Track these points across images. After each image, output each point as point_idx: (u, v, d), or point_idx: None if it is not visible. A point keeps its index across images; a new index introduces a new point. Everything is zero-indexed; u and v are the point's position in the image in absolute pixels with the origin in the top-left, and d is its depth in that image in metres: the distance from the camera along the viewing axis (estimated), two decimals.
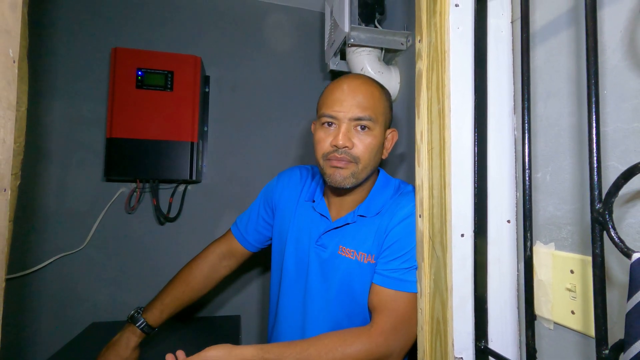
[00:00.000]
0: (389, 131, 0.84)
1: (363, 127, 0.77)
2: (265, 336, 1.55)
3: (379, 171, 0.89)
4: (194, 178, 1.38)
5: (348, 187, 0.79)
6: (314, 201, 0.90)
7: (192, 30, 1.57)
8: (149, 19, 1.53)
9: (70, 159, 1.41)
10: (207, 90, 1.58)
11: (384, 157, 0.84)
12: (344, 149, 0.76)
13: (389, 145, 0.84)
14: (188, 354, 1.13)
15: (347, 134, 0.76)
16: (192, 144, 1.37)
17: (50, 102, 1.40)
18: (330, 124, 0.78)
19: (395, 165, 1.34)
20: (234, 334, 1.32)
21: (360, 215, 0.82)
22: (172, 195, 1.49)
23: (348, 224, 0.83)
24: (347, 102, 0.76)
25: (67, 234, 1.39)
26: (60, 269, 1.38)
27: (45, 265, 1.36)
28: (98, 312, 1.40)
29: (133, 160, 1.32)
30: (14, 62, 0.47)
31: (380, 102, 0.80)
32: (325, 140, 0.78)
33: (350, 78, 0.81)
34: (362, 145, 0.77)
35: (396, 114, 1.31)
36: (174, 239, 1.51)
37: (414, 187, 0.84)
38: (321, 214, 0.87)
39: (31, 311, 1.34)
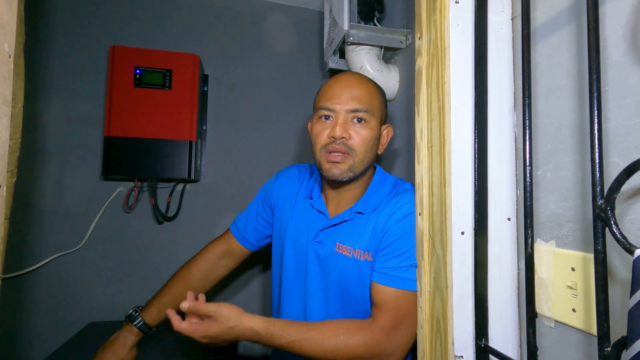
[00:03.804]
0: (384, 127, 0.85)
1: (360, 120, 0.79)
2: None
3: (375, 168, 0.89)
4: (192, 177, 1.38)
5: (345, 179, 0.79)
6: (311, 198, 0.90)
7: (191, 29, 1.57)
8: (148, 17, 1.52)
9: (68, 158, 1.40)
10: (205, 89, 1.57)
11: (379, 152, 0.85)
12: (341, 140, 0.77)
13: (384, 141, 0.86)
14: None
15: (344, 125, 0.78)
16: (190, 143, 1.37)
17: (48, 100, 1.39)
18: (327, 117, 0.80)
19: (393, 163, 1.34)
20: None
21: (358, 212, 0.82)
22: (171, 194, 1.49)
23: (345, 221, 0.83)
24: (344, 96, 0.78)
25: (65, 233, 1.38)
26: (58, 268, 1.37)
27: (43, 265, 1.35)
28: (95, 311, 1.39)
29: (131, 159, 1.31)
30: (10, 57, 0.47)
31: (376, 97, 0.82)
32: (322, 133, 0.79)
33: (347, 74, 0.84)
34: (358, 137, 0.78)
35: (395, 112, 1.31)
36: (172, 238, 1.50)
37: (411, 185, 0.84)
38: (319, 211, 0.87)
39: (28, 311, 1.34)
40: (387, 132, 0.86)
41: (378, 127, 0.82)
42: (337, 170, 0.78)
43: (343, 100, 0.78)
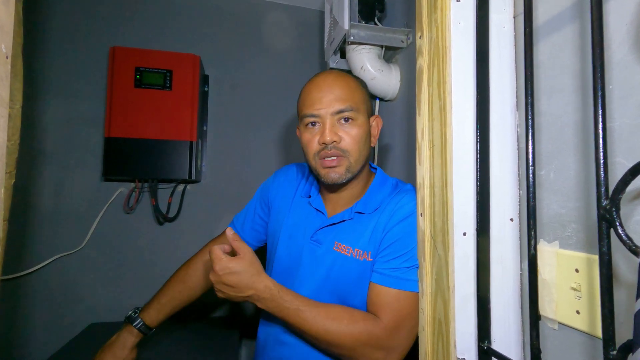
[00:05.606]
0: (372, 118, 0.84)
1: (347, 119, 0.77)
2: None
3: (376, 169, 0.89)
4: (193, 178, 1.38)
5: (345, 181, 0.79)
6: (309, 197, 0.89)
7: (191, 29, 1.56)
8: (148, 18, 1.52)
9: (68, 159, 1.40)
10: (206, 89, 1.57)
11: (372, 144, 0.84)
12: (332, 144, 0.76)
13: (375, 132, 0.85)
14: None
15: (333, 128, 0.76)
16: (191, 143, 1.36)
17: (48, 102, 1.39)
18: (314, 124, 0.79)
19: (393, 164, 1.33)
20: (232, 335, 1.31)
21: (358, 212, 0.81)
22: (171, 195, 1.48)
23: (344, 220, 0.82)
24: (326, 98, 0.77)
25: (66, 234, 1.38)
26: (59, 269, 1.37)
27: (44, 266, 1.35)
28: (96, 312, 1.39)
29: (132, 160, 1.31)
30: (7, 58, 0.47)
31: (357, 91, 0.80)
32: (312, 141, 0.78)
33: (324, 75, 0.82)
34: (349, 137, 0.77)
35: (396, 112, 1.31)
36: (173, 239, 1.50)
37: (412, 186, 0.83)
38: (317, 210, 0.87)
39: (29, 312, 1.34)
40: (376, 123, 0.85)
41: (366, 121, 0.81)
42: (335, 174, 0.77)
43: (325, 103, 0.76)
